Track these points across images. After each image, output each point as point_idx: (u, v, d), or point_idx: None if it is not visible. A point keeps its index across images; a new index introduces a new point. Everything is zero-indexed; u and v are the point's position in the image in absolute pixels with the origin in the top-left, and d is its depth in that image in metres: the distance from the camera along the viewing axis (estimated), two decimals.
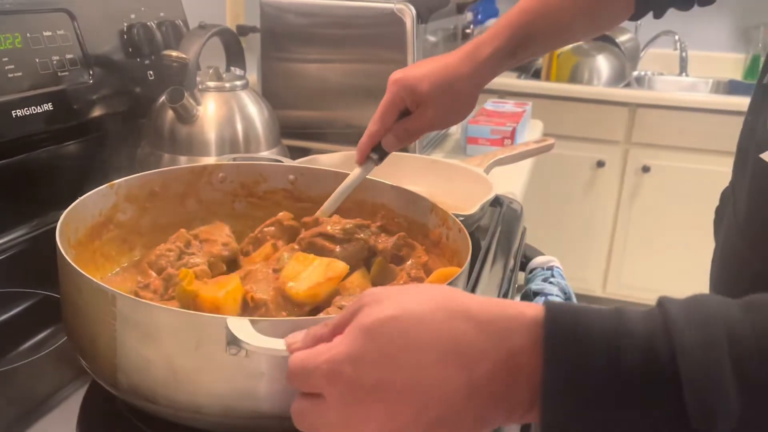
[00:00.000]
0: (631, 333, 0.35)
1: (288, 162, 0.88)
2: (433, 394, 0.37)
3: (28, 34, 0.81)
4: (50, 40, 0.85)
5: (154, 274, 0.63)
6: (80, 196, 0.64)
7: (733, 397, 0.32)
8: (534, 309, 0.37)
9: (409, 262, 0.69)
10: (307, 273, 0.58)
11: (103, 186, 0.66)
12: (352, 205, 0.77)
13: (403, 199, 0.76)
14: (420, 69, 0.74)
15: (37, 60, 0.82)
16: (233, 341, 0.43)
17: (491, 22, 2.18)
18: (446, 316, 0.38)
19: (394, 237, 0.70)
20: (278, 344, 0.42)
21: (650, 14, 0.79)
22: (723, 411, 0.32)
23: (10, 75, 0.78)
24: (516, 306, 0.38)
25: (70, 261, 0.51)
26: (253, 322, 0.43)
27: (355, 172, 0.74)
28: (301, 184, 0.78)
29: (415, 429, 0.38)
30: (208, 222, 0.74)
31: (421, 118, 0.74)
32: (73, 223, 0.61)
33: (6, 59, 0.78)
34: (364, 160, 0.74)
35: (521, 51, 0.76)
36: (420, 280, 0.65)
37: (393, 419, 0.38)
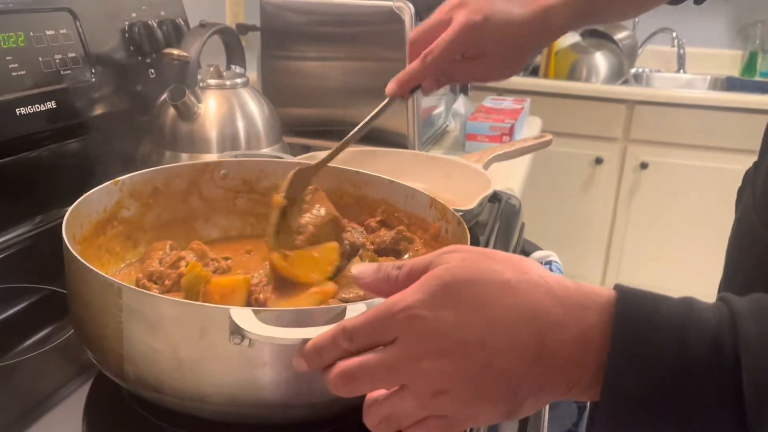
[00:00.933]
0: (700, 321, 0.37)
1: (289, 158, 0.89)
2: (502, 351, 0.38)
3: (31, 33, 0.82)
4: (53, 39, 0.85)
5: (155, 265, 0.64)
6: (83, 193, 0.65)
7: None
8: (609, 291, 0.39)
9: (406, 256, 0.70)
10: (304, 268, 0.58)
11: (108, 183, 0.67)
12: (353, 201, 0.78)
13: (402, 194, 0.77)
14: (494, 16, 0.69)
15: (40, 59, 0.83)
16: (236, 331, 0.43)
17: None
18: (527, 287, 0.39)
19: (392, 231, 0.70)
20: (281, 333, 0.43)
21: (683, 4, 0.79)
22: None
23: (13, 74, 0.79)
24: (591, 287, 0.40)
25: (77, 255, 0.51)
26: (256, 312, 0.44)
27: (378, 108, 0.69)
28: None
29: (478, 381, 0.38)
30: (210, 220, 0.76)
31: (476, 71, 0.72)
32: (78, 219, 0.62)
33: (9, 58, 0.79)
34: (400, 95, 0.71)
35: (581, 19, 0.74)
36: None
37: (459, 370, 0.38)
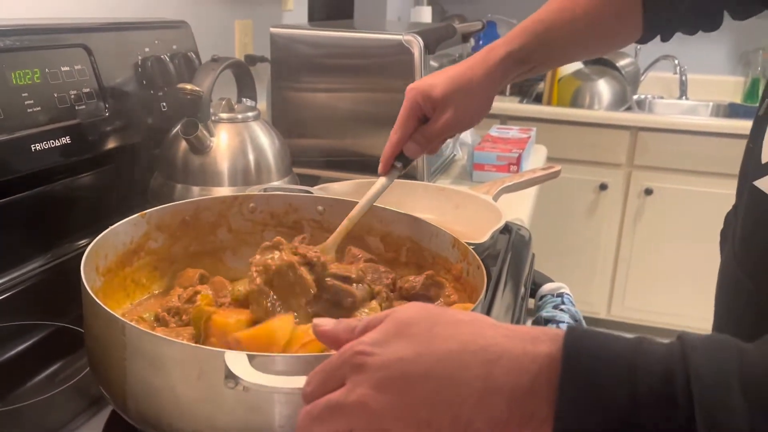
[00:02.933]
0: (650, 354, 0.36)
1: (318, 193, 0.89)
2: (448, 381, 0.38)
3: (46, 70, 0.83)
4: (68, 75, 0.86)
5: (174, 300, 0.65)
6: (95, 227, 0.66)
7: (741, 419, 0.33)
8: (558, 330, 0.39)
9: (437, 303, 0.70)
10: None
11: (135, 215, 0.68)
12: (378, 237, 0.79)
13: (426, 232, 0.77)
14: (434, 77, 0.77)
15: (56, 95, 0.84)
16: (230, 375, 0.44)
17: None
18: (477, 323, 0.40)
19: (422, 276, 0.70)
20: (273, 381, 0.43)
21: (655, 38, 0.81)
22: (731, 427, 0.33)
23: (29, 110, 0.79)
24: (541, 327, 0.40)
25: (89, 290, 0.53)
26: (250, 357, 0.45)
27: (381, 181, 0.75)
28: (330, 215, 0.79)
29: (424, 417, 0.38)
30: (238, 252, 0.77)
31: (439, 121, 0.76)
32: (103, 251, 0.63)
33: (26, 94, 0.79)
34: (389, 170, 0.76)
35: (532, 57, 0.78)
36: None
37: (403, 405, 0.38)
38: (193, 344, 0.53)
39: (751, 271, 0.61)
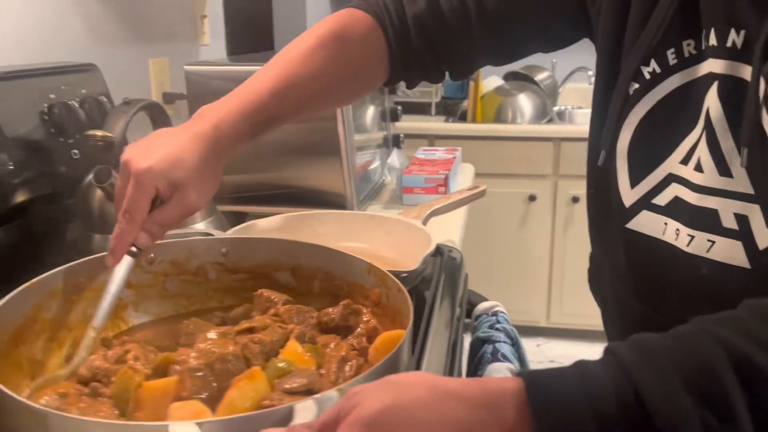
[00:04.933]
0: (599, 383, 0.40)
1: (219, 234, 0.86)
2: None
3: None
4: None
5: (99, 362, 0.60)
6: (8, 289, 0.61)
7: (692, 413, 0.39)
8: (513, 383, 0.41)
9: (358, 330, 0.68)
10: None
11: (23, 285, 0.62)
12: (288, 272, 0.77)
13: (339, 261, 0.75)
14: (162, 152, 0.65)
15: None
16: None
17: None
18: (438, 399, 0.41)
19: (339, 307, 0.69)
20: None
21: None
22: (686, 427, 0.39)
23: None
24: (494, 382, 0.42)
25: None
26: (199, 424, 0.42)
27: (118, 275, 0.65)
28: (234, 256, 0.77)
29: None
30: (140, 307, 0.73)
31: (181, 203, 0.66)
32: None
33: None
34: (121, 260, 0.65)
35: (265, 131, 0.74)
36: (364, 349, 0.64)
37: None
38: (133, 423, 0.49)
39: (653, 303, 0.65)
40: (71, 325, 0.67)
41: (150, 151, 0.66)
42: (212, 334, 0.61)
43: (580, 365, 0.42)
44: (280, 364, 0.56)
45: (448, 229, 1.23)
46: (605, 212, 0.69)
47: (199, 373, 0.54)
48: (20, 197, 0.89)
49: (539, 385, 0.41)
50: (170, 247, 0.75)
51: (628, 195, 0.65)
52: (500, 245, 2.60)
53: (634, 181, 0.64)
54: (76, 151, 1.00)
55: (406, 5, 0.78)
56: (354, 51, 0.77)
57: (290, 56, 0.75)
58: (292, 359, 0.59)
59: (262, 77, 0.73)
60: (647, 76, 0.62)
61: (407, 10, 0.78)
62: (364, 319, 0.69)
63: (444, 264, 1.05)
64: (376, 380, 0.43)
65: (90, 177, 0.92)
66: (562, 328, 2.67)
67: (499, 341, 0.90)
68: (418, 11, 0.77)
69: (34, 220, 0.93)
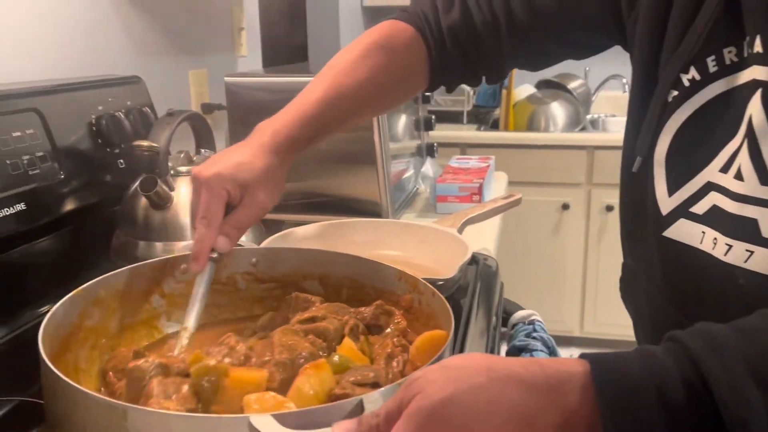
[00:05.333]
0: (666, 370, 0.40)
1: (248, 245, 0.88)
2: None
3: None
4: (19, 141, 0.85)
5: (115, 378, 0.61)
6: (57, 292, 0.62)
7: (759, 403, 0.39)
8: (578, 365, 0.41)
9: (388, 330, 0.70)
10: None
11: (67, 297, 0.63)
12: (316, 281, 0.78)
13: (368, 268, 0.76)
14: (227, 160, 0.70)
15: (8, 161, 0.82)
16: None
17: None
18: (499, 385, 0.40)
19: (371, 306, 0.70)
20: None
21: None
22: (753, 419, 0.39)
23: None
24: (558, 365, 0.42)
25: (72, 383, 0.48)
26: (276, 416, 0.42)
27: (203, 279, 0.69)
28: (263, 266, 0.78)
29: None
30: (173, 316, 0.74)
31: (252, 204, 0.71)
32: (48, 339, 0.58)
33: None
34: (206, 264, 0.70)
35: (319, 138, 0.78)
36: (404, 347, 0.66)
37: None
38: (212, 415, 0.49)
39: (688, 311, 0.64)
40: (110, 334, 0.69)
41: (216, 162, 0.71)
42: (285, 331, 0.63)
43: (644, 351, 0.42)
44: (340, 359, 0.59)
45: (483, 238, 1.24)
46: (640, 220, 0.68)
47: (283, 367, 0.56)
48: (69, 205, 0.93)
49: (605, 370, 0.40)
50: None
51: (666, 203, 0.64)
52: (533, 254, 2.58)
53: (672, 189, 0.64)
54: (121, 160, 1.04)
55: (442, 17, 0.81)
56: (397, 60, 0.80)
57: (338, 68, 0.79)
58: (348, 355, 0.60)
59: (314, 89, 0.78)
60: (686, 84, 0.62)
61: (442, 21, 0.81)
62: (395, 321, 0.70)
63: (480, 272, 1.05)
64: (435, 364, 0.43)
65: (135, 186, 0.95)
66: (595, 338, 2.64)
67: (536, 350, 0.90)
68: (452, 23, 0.80)
69: (83, 228, 0.97)
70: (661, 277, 0.67)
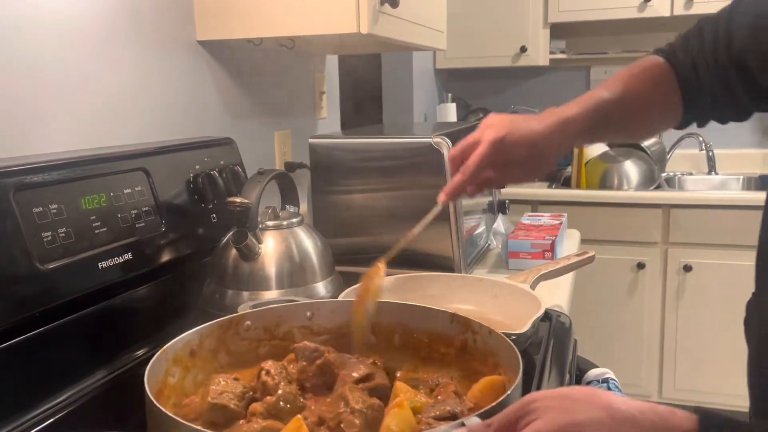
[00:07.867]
0: None
1: (303, 300, 0.93)
2: None
3: (111, 193, 0.91)
4: (129, 196, 0.94)
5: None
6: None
7: None
8: (687, 421, 0.43)
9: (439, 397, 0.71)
10: None
11: (156, 355, 0.68)
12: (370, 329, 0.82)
13: (418, 314, 0.81)
14: (515, 131, 0.82)
15: (119, 215, 0.91)
16: None
17: None
18: (615, 423, 0.43)
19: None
20: None
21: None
22: None
23: (96, 231, 0.87)
24: (671, 414, 0.44)
25: (178, 419, 0.53)
26: None
27: (437, 208, 0.86)
28: (318, 318, 0.84)
29: None
30: (236, 373, 0.76)
31: (508, 176, 0.84)
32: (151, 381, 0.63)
33: (94, 217, 0.87)
34: (447, 202, 0.86)
35: (598, 131, 0.85)
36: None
37: None
38: None
39: None
40: (189, 392, 0.72)
41: (511, 125, 0.82)
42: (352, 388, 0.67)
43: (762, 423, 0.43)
44: (410, 401, 0.63)
45: (556, 295, 1.24)
46: None
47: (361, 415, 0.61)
48: (167, 256, 1.01)
49: (715, 425, 0.42)
50: (263, 314, 0.82)
51: None
52: (608, 313, 2.52)
53: None
54: (214, 215, 1.12)
55: (680, 65, 0.84)
56: (660, 85, 0.86)
57: (617, 76, 0.86)
58: (410, 396, 0.64)
59: (597, 89, 0.86)
60: None
61: (679, 73, 0.84)
62: (444, 386, 0.71)
63: (553, 329, 1.06)
64: (554, 390, 0.45)
65: (227, 238, 1.02)
66: (675, 404, 2.52)
67: None
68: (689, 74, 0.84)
69: (177, 277, 1.04)
70: None
